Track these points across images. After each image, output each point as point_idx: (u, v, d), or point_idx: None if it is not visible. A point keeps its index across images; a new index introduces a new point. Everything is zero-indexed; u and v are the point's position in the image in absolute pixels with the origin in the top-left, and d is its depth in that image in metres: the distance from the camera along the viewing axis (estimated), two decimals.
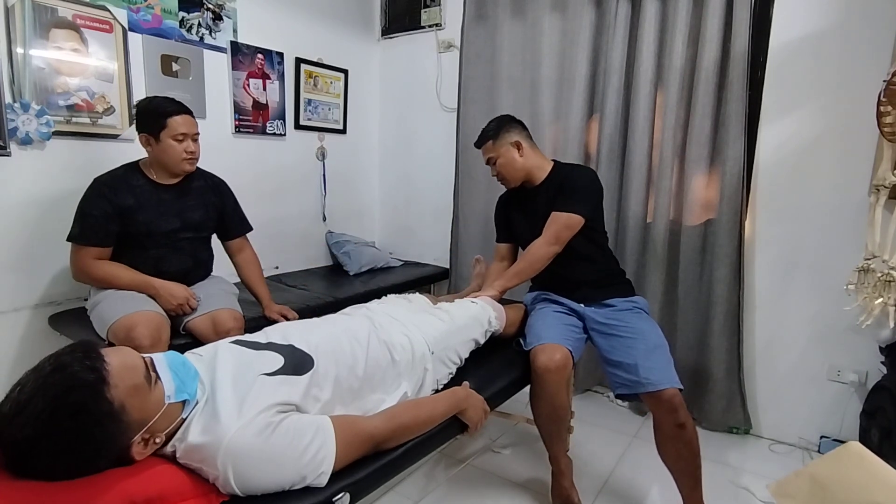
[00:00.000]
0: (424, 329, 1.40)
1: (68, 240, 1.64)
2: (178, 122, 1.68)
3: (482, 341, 1.60)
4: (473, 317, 1.59)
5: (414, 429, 1.15)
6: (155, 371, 0.89)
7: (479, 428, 1.33)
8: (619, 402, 2.41)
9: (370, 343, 1.24)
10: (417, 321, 1.43)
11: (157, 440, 0.88)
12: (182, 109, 1.70)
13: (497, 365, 1.61)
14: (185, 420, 0.91)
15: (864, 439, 1.82)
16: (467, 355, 1.53)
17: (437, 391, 1.36)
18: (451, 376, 1.45)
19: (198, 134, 1.75)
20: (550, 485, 1.72)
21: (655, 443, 1.57)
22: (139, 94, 2.01)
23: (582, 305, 1.74)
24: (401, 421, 1.12)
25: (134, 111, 1.77)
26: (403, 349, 1.29)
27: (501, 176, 1.83)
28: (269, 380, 0.99)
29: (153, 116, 1.67)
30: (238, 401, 0.92)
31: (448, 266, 2.89)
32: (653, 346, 1.56)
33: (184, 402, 0.91)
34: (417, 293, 1.75)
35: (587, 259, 1.77)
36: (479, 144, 1.84)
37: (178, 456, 0.89)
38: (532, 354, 1.56)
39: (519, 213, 1.88)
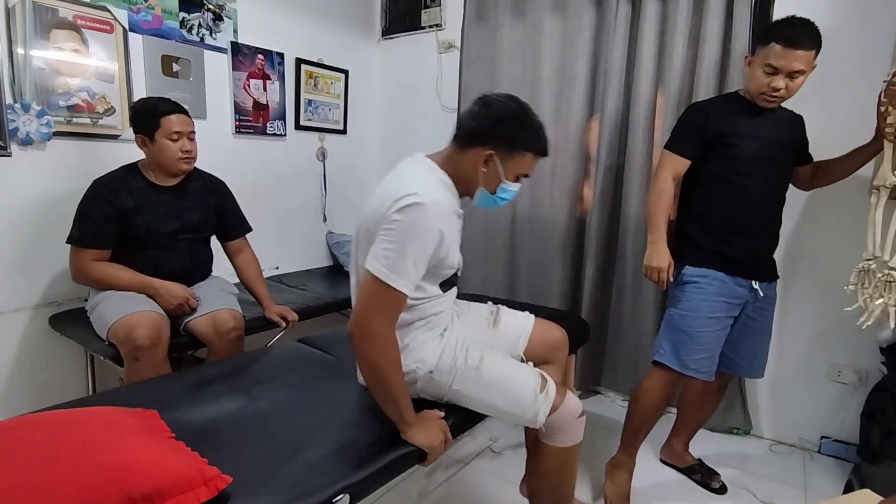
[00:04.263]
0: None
1: (68, 242, 1.65)
2: (172, 122, 1.68)
3: (503, 419, 1.36)
4: (511, 392, 1.24)
5: (373, 377, 1.12)
6: None
7: (438, 455, 1.18)
8: (620, 402, 2.41)
9: None
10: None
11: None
12: (176, 108, 1.70)
13: None
14: None
15: (865, 440, 1.83)
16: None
17: None
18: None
19: (193, 132, 1.75)
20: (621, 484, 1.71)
21: (684, 397, 1.84)
22: (140, 95, 2.01)
23: (757, 284, 1.52)
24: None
25: (129, 113, 1.77)
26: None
27: (782, 96, 1.44)
28: None
29: (147, 117, 1.67)
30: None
31: None
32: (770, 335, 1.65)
33: None
34: (476, 304, 1.54)
35: (779, 209, 1.57)
36: (806, 47, 1.36)
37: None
38: (687, 378, 1.56)
39: (751, 132, 1.52)
